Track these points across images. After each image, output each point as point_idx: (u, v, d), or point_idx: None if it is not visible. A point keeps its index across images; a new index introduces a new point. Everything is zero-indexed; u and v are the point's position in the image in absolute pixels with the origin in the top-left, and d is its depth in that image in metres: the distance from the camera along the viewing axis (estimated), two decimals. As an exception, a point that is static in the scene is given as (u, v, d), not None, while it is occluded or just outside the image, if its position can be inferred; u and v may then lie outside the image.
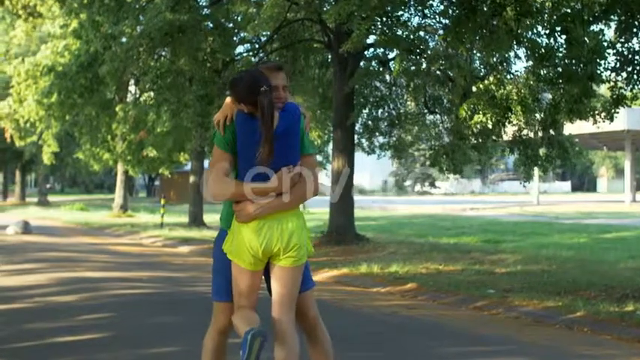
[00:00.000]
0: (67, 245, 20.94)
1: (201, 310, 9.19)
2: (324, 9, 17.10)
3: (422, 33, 17.01)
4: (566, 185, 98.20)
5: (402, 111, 21.80)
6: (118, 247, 20.93)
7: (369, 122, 21.24)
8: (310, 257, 4.78)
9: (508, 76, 15.15)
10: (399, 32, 15.30)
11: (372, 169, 77.34)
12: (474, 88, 14.25)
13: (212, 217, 32.67)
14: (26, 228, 25.42)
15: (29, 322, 8.80)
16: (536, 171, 20.89)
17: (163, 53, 21.89)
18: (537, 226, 28.09)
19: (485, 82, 13.82)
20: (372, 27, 13.57)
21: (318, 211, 34.23)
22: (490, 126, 13.67)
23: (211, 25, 20.94)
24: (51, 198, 63.39)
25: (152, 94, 23.78)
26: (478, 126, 14.03)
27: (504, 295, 11.15)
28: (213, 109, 22.39)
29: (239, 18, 25.18)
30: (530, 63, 14.70)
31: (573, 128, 18.55)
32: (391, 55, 20.37)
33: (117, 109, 31.62)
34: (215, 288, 4.89)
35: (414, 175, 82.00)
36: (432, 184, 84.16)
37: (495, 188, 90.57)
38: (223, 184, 4.56)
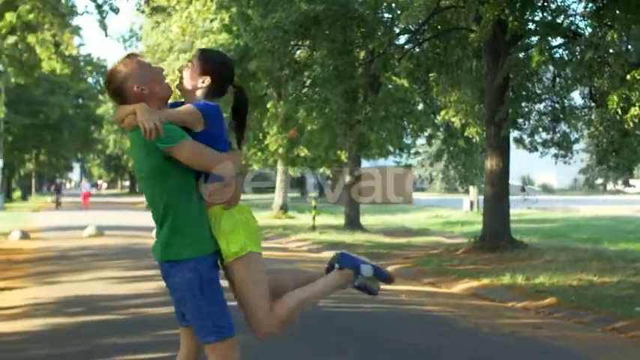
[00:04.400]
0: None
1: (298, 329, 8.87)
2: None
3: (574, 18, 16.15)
4: None
5: (566, 105, 20.73)
6: (256, 253, 20.78)
7: (520, 118, 20.15)
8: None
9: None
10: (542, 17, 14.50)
11: (559, 166, 75.22)
12: (627, 77, 13.25)
13: (370, 220, 32.37)
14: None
15: (108, 336, 8.74)
16: None
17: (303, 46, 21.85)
18: None
19: (641, 69, 12.83)
20: (503, 12, 12.83)
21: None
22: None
23: (354, 15, 20.63)
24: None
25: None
26: (635, 120, 13.04)
27: (653, 314, 10.29)
28: (359, 106, 22.19)
29: (393, 5, 24.92)
30: None
31: None
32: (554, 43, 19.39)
33: (268, 105, 31.78)
34: None
35: (604, 173, 79.06)
36: (626, 182, 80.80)
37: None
38: None
